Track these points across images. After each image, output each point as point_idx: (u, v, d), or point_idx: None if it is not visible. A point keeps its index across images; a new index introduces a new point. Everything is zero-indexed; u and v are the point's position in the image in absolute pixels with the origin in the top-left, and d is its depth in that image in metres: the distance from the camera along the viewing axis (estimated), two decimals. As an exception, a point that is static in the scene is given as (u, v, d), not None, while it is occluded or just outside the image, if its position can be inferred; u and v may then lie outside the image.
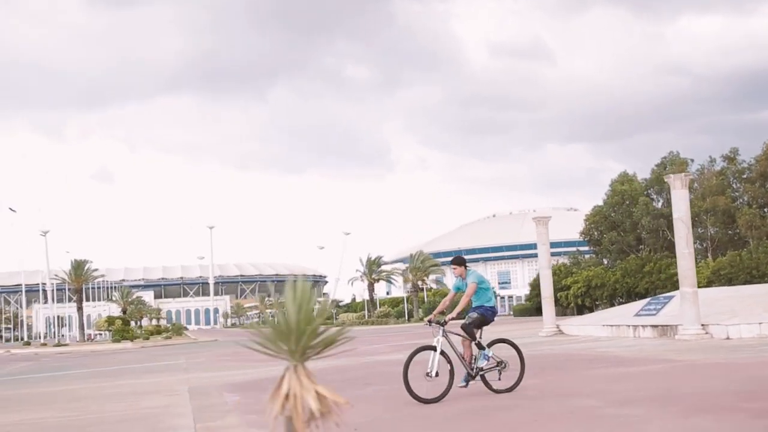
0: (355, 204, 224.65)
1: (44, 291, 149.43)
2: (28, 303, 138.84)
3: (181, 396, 12.48)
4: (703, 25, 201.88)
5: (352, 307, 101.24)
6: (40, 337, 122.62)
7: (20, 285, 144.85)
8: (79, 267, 56.70)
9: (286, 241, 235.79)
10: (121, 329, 53.03)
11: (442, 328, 9.02)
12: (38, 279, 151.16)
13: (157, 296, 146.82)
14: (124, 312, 72.86)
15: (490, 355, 9.23)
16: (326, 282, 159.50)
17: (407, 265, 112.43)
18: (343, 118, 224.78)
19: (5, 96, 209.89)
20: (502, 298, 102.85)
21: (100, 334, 56.53)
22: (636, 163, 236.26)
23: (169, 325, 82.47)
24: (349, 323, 70.51)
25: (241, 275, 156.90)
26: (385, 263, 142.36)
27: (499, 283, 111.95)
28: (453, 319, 9.12)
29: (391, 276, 77.52)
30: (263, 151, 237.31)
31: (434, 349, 8.91)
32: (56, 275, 62.41)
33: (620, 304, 65.21)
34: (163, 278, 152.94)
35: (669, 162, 65.48)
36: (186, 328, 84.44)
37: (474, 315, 9.22)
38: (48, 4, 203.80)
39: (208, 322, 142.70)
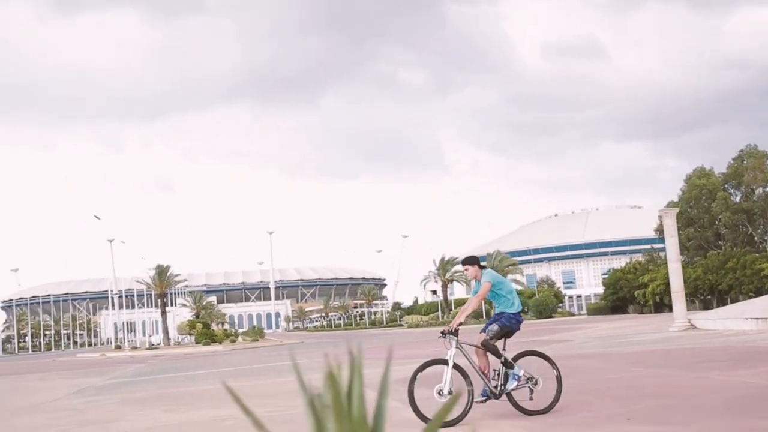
0: (410, 207, 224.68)
1: (112, 298, 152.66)
2: (95, 310, 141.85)
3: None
4: (762, 17, 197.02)
5: (416, 309, 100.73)
6: (108, 343, 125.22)
7: (87, 292, 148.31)
8: (162, 272, 57.73)
9: (344, 245, 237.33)
10: (204, 333, 53.74)
11: (455, 338, 7.93)
12: (105, 286, 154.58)
13: (219, 301, 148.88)
14: (197, 316, 73.90)
15: (520, 374, 7.95)
16: (385, 285, 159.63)
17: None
18: (397, 122, 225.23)
19: (67, 109, 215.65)
20: (570, 298, 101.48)
21: (185, 338, 57.44)
22: (695, 159, 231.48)
23: (232, 329, 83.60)
24: (424, 324, 70.35)
25: (301, 279, 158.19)
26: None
27: (563, 283, 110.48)
28: (461, 324, 8.09)
29: (465, 276, 76.88)
30: (318, 157, 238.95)
31: (446, 363, 7.73)
32: (142, 280, 63.67)
33: (703, 301, 63.88)
34: (224, 283, 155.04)
35: (746, 155, 63.90)
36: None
37: (494, 328, 7.95)
38: (109, 19, 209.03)
39: (269, 326, 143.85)
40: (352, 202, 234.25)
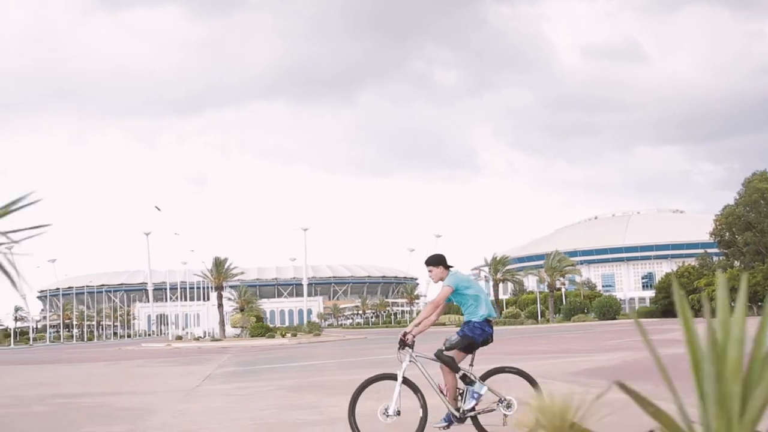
0: (442, 207, 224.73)
1: (146, 290, 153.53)
2: (129, 301, 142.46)
3: (559, 383, 11.99)
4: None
5: (454, 308, 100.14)
6: (144, 334, 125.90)
7: (123, 284, 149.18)
8: (220, 265, 57.88)
9: (376, 243, 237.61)
10: (259, 326, 53.65)
11: (410, 350, 6.84)
12: (140, 278, 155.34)
13: (252, 296, 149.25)
14: (242, 310, 73.93)
15: (481, 392, 6.82)
16: (417, 284, 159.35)
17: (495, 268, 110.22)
18: (432, 121, 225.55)
19: (105, 103, 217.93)
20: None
21: (241, 331, 57.36)
22: (732, 164, 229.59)
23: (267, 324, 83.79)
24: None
25: (334, 276, 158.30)
26: (480, 267, 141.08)
27: (603, 286, 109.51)
28: (416, 334, 6.96)
29: (516, 276, 76.21)
30: (353, 154, 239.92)
31: (394, 378, 6.72)
32: (201, 273, 64.07)
33: (760, 308, 62.97)
34: (258, 279, 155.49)
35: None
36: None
37: (453, 338, 6.92)
38: (151, 17, 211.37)
39: (302, 323, 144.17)
40: (386, 201, 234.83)
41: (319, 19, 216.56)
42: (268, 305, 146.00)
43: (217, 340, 49.10)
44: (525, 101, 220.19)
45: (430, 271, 7.26)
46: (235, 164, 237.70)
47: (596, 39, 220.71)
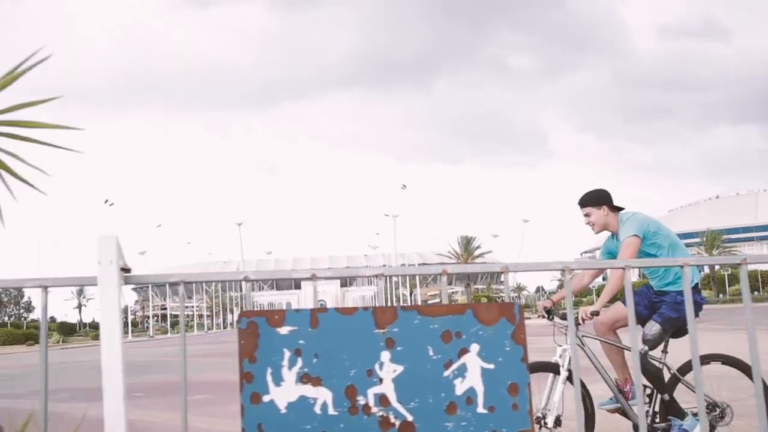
0: (518, 192, 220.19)
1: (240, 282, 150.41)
2: (224, 292, 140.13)
3: None
4: None
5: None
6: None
7: (217, 274, 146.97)
8: (468, 243, 55.27)
9: (455, 230, 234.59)
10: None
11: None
12: (231, 269, 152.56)
13: (342, 285, 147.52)
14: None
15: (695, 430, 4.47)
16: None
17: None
18: (505, 107, 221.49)
19: (183, 98, 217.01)
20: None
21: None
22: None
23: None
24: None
25: (425, 264, 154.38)
26: (587, 251, 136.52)
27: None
28: (596, 313, 4.47)
29: (733, 251, 71.52)
30: (424, 141, 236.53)
31: (555, 370, 4.51)
32: (447, 252, 61.70)
33: None
34: (348, 267, 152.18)
35: None
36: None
37: (654, 330, 4.46)
38: (230, 11, 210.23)
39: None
40: (458, 187, 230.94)
41: (396, 7, 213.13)
42: (357, 293, 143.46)
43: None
44: (599, 83, 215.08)
45: (587, 215, 4.67)
46: (306, 153, 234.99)
47: (673, 17, 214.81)
